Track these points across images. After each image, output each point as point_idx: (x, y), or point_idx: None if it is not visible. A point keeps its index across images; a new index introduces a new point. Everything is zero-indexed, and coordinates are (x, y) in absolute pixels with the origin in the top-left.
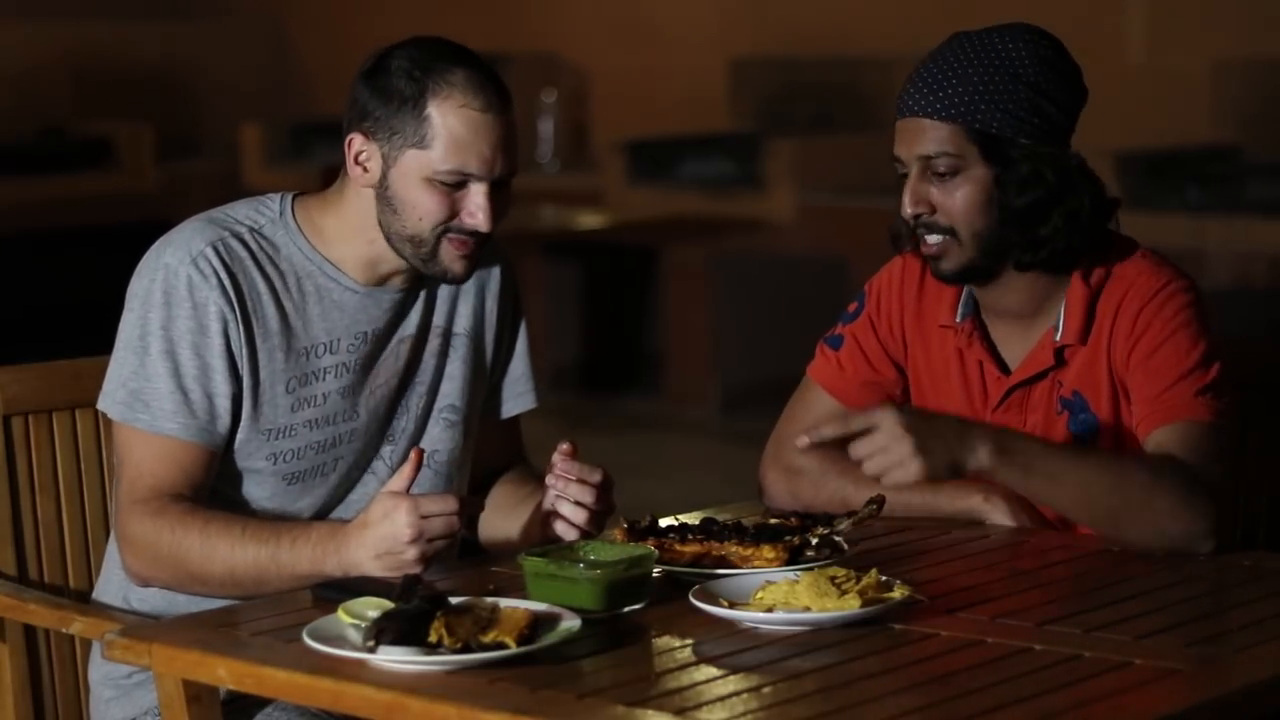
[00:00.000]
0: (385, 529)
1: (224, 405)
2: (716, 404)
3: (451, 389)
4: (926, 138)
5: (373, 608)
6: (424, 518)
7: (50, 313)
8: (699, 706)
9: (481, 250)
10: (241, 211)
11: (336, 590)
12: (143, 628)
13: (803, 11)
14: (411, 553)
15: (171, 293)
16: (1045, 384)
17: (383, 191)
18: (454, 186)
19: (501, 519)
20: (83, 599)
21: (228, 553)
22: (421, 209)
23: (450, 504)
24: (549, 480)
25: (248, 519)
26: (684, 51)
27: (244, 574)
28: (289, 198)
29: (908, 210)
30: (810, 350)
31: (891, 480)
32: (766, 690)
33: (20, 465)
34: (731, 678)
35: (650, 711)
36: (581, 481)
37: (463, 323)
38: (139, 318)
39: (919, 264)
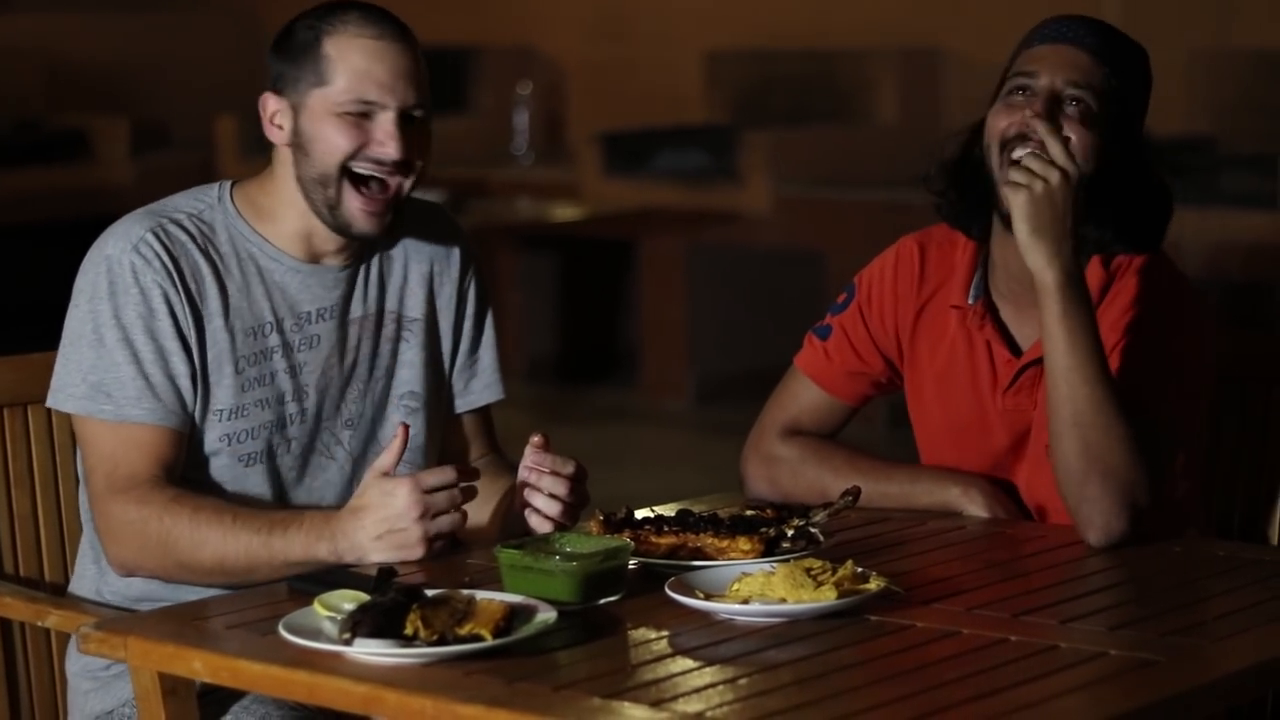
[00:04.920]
0: (387, 510)
1: (185, 385)
2: (692, 396)
3: (410, 376)
4: (1078, 68)
5: (348, 600)
6: (426, 493)
7: (25, 306)
8: (675, 698)
9: (397, 212)
10: (180, 200)
11: (312, 583)
12: (118, 621)
13: (778, 4)
14: (417, 531)
15: (117, 281)
16: None
17: (297, 141)
18: (361, 116)
19: (476, 510)
20: (59, 592)
21: (219, 541)
22: (330, 142)
23: (449, 475)
24: (521, 473)
25: (237, 506)
26: (659, 44)
27: (234, 562)
28: (227, 184)
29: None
30: (786, 342)
31: (1027, 199)
32: (742, 682)
33: None
34: (707, 669)
35: (626, 703)
36: (554, 474)
37: (416, 308)
38: (88, 312)
39: (916, 253)
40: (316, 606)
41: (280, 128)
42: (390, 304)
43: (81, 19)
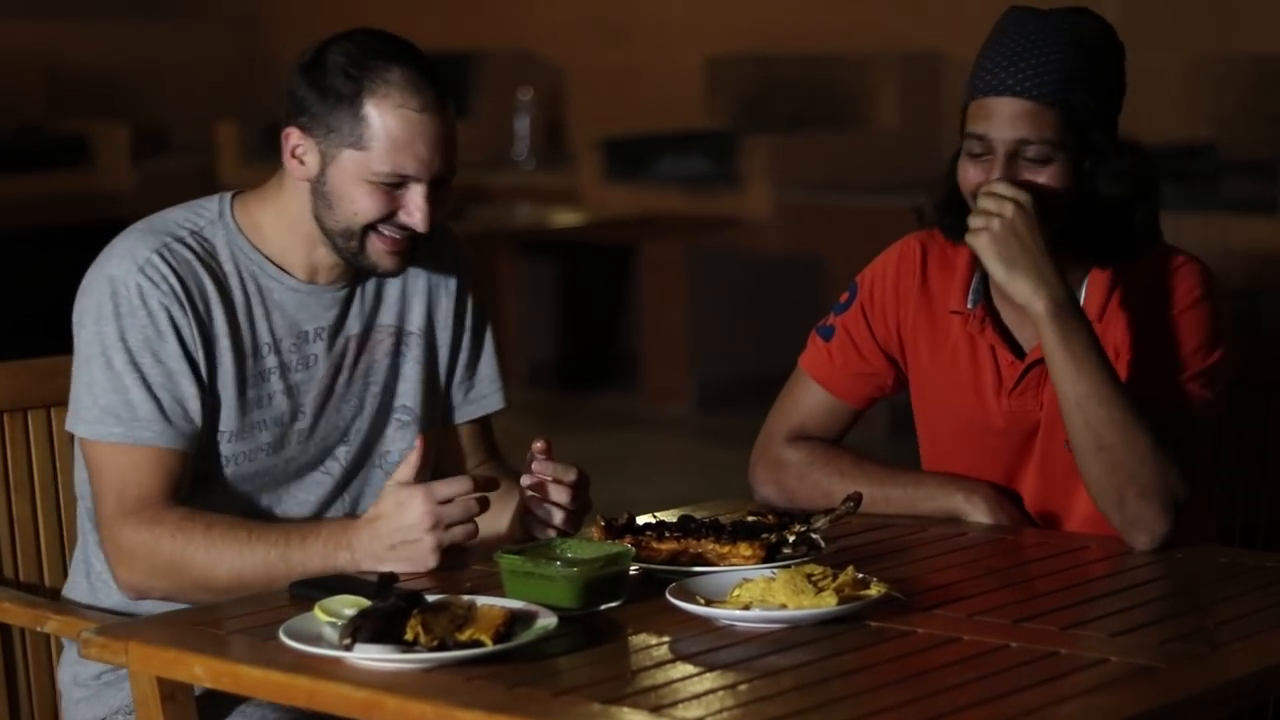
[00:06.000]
0: (400, 520)
1: (194, 407)
2: (693, 401)
3: (406, 389)
4: (1025, 121)
5: (349, 606)
6: (440, 504)
7: (25, 311)
8: (675, 704)
9: (416, 247)
10: (179, 215)
11: (313, 588)
12: (119, 626)
13: (778, 9)
14: (429, 541)
15: (122, 304)
16: None
17: (320, 187)
18: (392, 186)
19: (492, 520)
20: (57, 598)
21: (235, 556)
22: (358, 206)
23: (464, 484)
24: (524, 479)
25: (250, 522)
26: (660, 49)
27: (252, 576)
28: (228, 197)
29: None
30: (787, 347)
31: (988, 240)
32: (743, 688)
33: None
34: (708, 675)
35: (626, 709)
36: (557, 481)
37: (416, 322)
38: (94, 334)
39: (919, 251)
40: (317, 612)
41: (302, 163)
42: (387, 318)
43: (82, 25)
